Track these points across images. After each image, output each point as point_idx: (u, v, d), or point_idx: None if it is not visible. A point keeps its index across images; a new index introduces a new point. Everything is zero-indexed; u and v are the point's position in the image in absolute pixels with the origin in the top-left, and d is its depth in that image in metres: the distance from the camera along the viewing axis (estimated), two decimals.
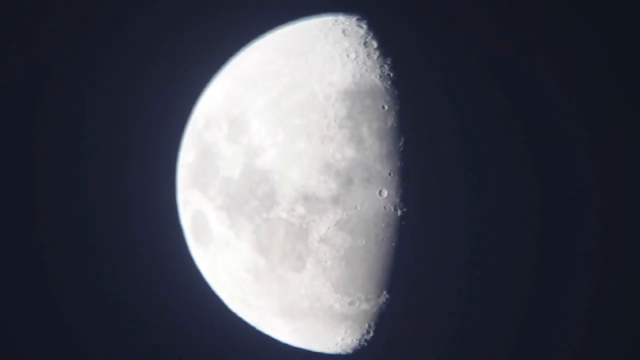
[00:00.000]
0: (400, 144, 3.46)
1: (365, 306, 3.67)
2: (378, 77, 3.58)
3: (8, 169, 5.45)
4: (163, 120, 5.13)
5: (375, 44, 3.72)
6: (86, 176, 5.53)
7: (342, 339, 3.89)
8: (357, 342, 3.89)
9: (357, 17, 3.94)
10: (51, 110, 5.52)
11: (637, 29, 4.86)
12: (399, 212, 3.46)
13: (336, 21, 3.93)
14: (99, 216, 5.49)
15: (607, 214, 4.28)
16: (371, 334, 3.82)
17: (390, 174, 3.45)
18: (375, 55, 3.67)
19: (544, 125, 3.86)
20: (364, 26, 3.85)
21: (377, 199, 3.46)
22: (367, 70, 3.61)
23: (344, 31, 3.83)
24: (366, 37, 3.77)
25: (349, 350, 3.99)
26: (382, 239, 3.49)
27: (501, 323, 3.99)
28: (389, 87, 3.55)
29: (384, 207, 3.46)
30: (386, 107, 3.51)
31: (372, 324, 3.76)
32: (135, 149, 5.41)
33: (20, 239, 5.49)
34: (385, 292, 3.61)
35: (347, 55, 3.67)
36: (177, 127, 4.41)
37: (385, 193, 3.45)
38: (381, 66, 3.62)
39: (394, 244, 3.50)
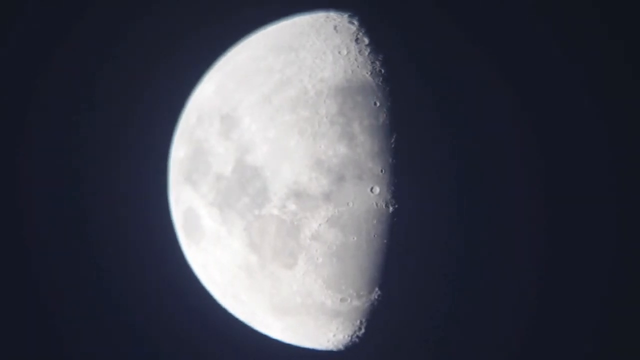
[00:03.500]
0: (392, 140, 3.46)
1: (356, 303, 3.67)
2: (369, 73, 3.58)
3: (3, 167, 5.43)
4: (155, 117, 5.12)
5: (366, 41, 3.72)
6: (78, 172, 5.51)
7: (334, 336, 3.90)
8: (349, 338, 3.90)
9: (349, 13, 3.94)
10: (42, 108, 5.49)
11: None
12: (391, 209, 3.46)
13: (328, 17, 3.93)
14: (90, 212, 5.48)
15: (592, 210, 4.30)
16: (363, 330, 3.83)
17: (381, 171, 3.45)
18: (367, 51, 3.66)
19: (536, 122, 3.88)
20: (356, 23, 3.84)
21: (368, 195, 3.46)
22: (358, 66, 3.60)
23: (335, 27, 3.82)
24: (358, 34, 3.76)
25: (341, 347, 3.99)
26: (374, 236, 3.49)
27: (491, 319, 4.01)
28: (380, 84, 3.55)
29: (376, 204, 3.46)
30: (378, 104, 3.51)
31: (363, 320, 3.77)
32: (127, 146, 5.40)
33: (12, 236, 5.47)
34: (376, 289, 3.61)
35: (339, 52, 3.67)
36: (169, 123, 4.40)
37: (376, 190, 3.46)
38: (373, 63, 3.61)
39: (385, 241, 3.50)
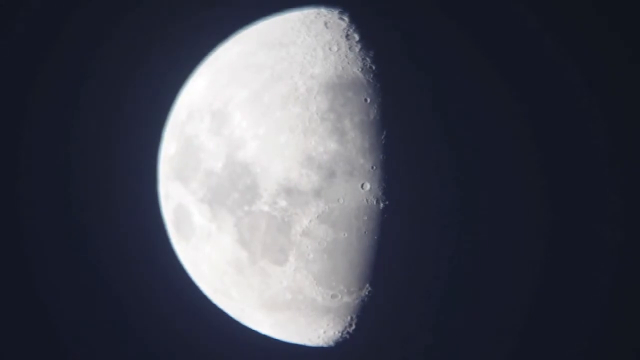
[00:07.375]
0: (383, 137, 3.47)
1: (347, 299, 3.68)
2: (360, 69, 3.58)
3: None
4: (145, 113, 5.10)
5: (357, 37, 3.72)
6: (68, 169, 5.48)
7: (325, 332, 3.90)
8: (340, 334, 3.91)
9: (339, 9, 3.93)
10: (34, 104, 5.46)
11: None
12: (381, 205, 3.47)
13: (318, 14, 3.92)
14: (80, 209, 5.45)
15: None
16: (353, 326, 3.84)
17: (372, 167, 3.46)
18: (357, 48, 3.66)
19: (532, 120, 3.89)
20: (346, 19, 3.84)
21: (359, 192, 3.46)
22: (349, 63, 3.60)
23: (326, 24, 3.82)
24: (348, 30, 3.76)
25: (331, 343, 4.00)
26: (365, 232, 3.50)
27: (483, 316, 4.03)
28: (371, 80, 3.55)
29: (366, 200, 3.47)
30: (368, 100, 3.51)
31: (354, 316, 3.78)
32: (116, 142, 5.38)
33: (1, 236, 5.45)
34: (367, 285, 3.62)
35: (329, 48, 3.67)
36: (159, 119, 4.38)
37: (367, 186, 3.46)
38: (363, 59, 3.62)
39: (376, 237, 3.51)
